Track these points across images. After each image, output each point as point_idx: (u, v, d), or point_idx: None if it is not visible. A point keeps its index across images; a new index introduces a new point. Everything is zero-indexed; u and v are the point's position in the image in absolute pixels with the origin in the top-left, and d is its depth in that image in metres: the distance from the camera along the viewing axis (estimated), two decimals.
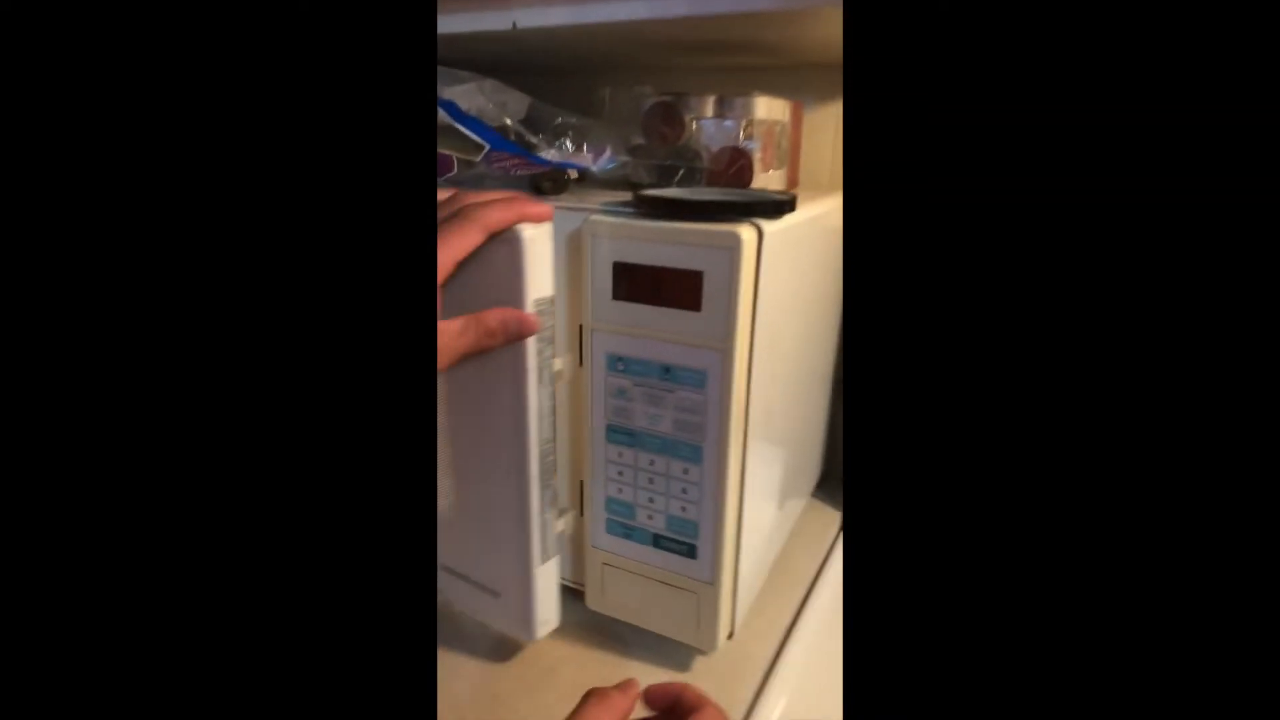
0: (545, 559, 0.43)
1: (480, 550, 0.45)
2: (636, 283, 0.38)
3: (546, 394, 0.39)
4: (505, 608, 0.45)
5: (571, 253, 0.40)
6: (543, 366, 0.38)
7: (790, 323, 0.45)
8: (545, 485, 0.41)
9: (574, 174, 0.41)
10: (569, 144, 0.41)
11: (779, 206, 0.38)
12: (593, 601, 0.48)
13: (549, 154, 0.40)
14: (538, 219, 0.36)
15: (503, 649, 0.49)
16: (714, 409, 0.39)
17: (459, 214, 0.34)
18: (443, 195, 0.36)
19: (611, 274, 0.39)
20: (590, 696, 0.31)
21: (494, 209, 0.34)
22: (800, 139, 0.58)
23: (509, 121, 0.43)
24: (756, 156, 0.49)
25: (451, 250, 0.33)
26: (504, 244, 0.36)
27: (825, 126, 0.66)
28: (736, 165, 0.47)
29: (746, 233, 0.36)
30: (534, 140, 0.41)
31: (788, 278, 0.43)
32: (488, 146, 0.40)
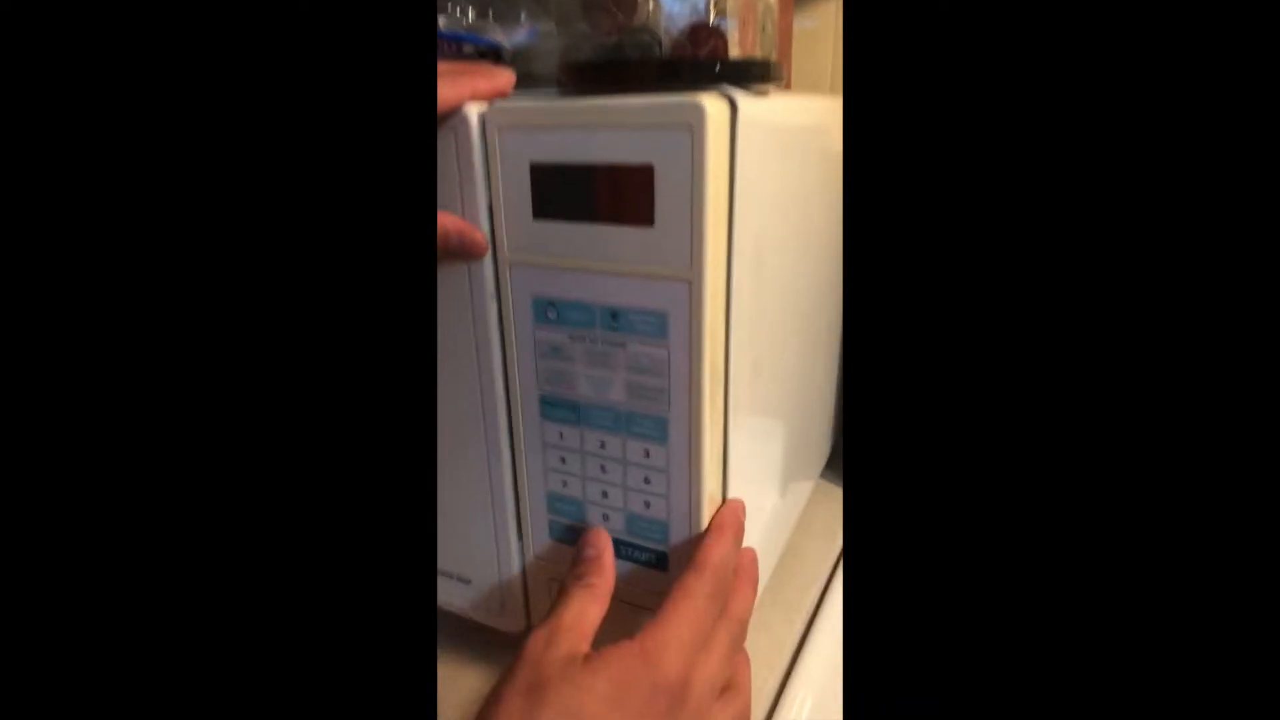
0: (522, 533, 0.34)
1: (445, 534, 0.37)
2: (564, 191, 0.27)
3: None
4: (479, 594, 0.37)
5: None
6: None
7: (783, 245, 0.34)
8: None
9: (469, 49, 0.30)
10: (470, 11, 0.29)
11: (759, 70, 0.27)
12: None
13: (440, 22, 0.29)
14: (494, 95, 0.28)
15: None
16: (680, 365, 0.27)
17: None
18: None
19: (530, 182, 0.28)
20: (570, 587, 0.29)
21: (440, 80, 0.26)
22: (791, 27, 0.46)
23: None
24: (733, 38, 0.37)
25: None
26: (446, 130, 0.28)
27: (823, 33, 0.55)
28: (705, 48, 0.36)
29: (714, 105, 0.24)
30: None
31: (775, 180, 0.31)
32: None
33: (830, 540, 0.49)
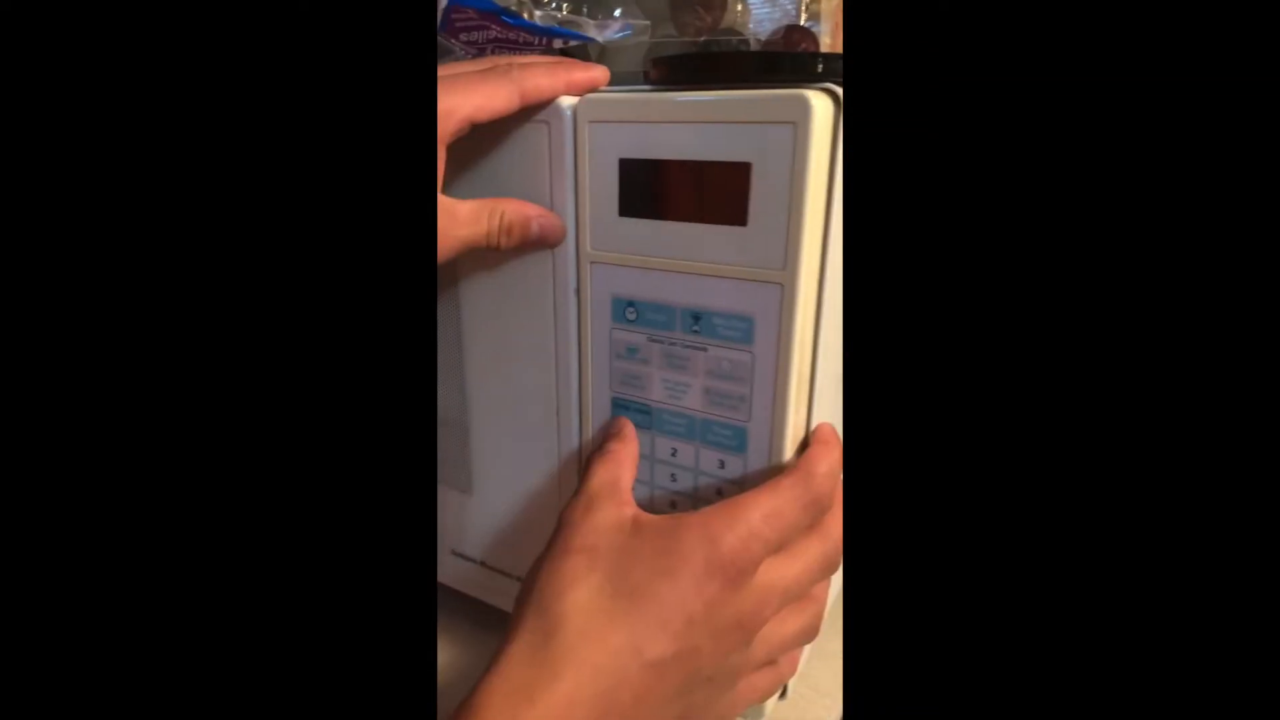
0: None
1: (505, 532, 0.36)
2: (653, 188, 0.26)
3: None
4: None
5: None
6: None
7: None
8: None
9: (559, 43, 0.29)
10: (564, 5, 0.29)
11: None
12: None
13: (534, 16, 0.29)
14: (589, 88, 0.28)
15: None
16: (764, 372, 0.26)
17: (490, 67, 0.27)
18: (476, 65, 0.28)
19: (618, 177, 0.27)
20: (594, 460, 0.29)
21: (535, 70, 0.26)
22: None
23: None
24: (824, 42, 0.36)
25: (470, 99, 0.25)
26: (538, 123, 0.28)
27: None
28: (799, 49, 0.35)
29: (819, 100, 0.23)
30: (523, 2, 0.30)
31: None
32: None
33: None
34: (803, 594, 0.27)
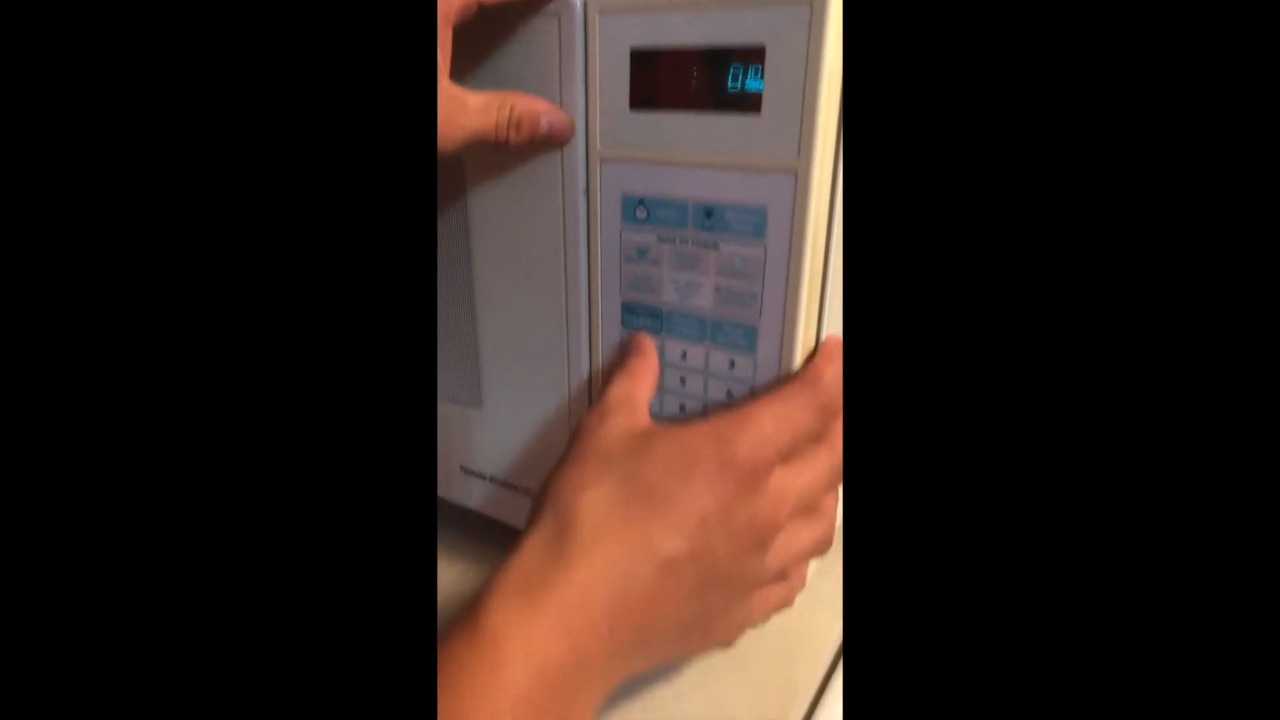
0: None
1: (516, 446, 0.36)
2: (665, 79, 0.26)
3: None
4: None
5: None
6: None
7: None
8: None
9: None
10: None
11: None
12: None
13: None
14: None
15: None
16: (776, 267, 0.26)
17: None
18: None
19: (629, 69, 0.26)
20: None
21: None
22: None
23: None
24: None
25: None
26: (548, 15, 0.27)
27: None
28: None
29: None
30: None
31: None
32: None
33: None
34: (814, 504, 0.27)
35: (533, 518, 0.26)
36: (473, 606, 0.23)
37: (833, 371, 0.26)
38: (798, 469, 0.26)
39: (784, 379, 0.27)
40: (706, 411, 0.29)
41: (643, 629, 0.24)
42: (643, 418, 0.28)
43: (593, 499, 0.24)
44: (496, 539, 0.42)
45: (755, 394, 0.28)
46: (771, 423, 0.25)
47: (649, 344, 0.30)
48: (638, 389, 0.29)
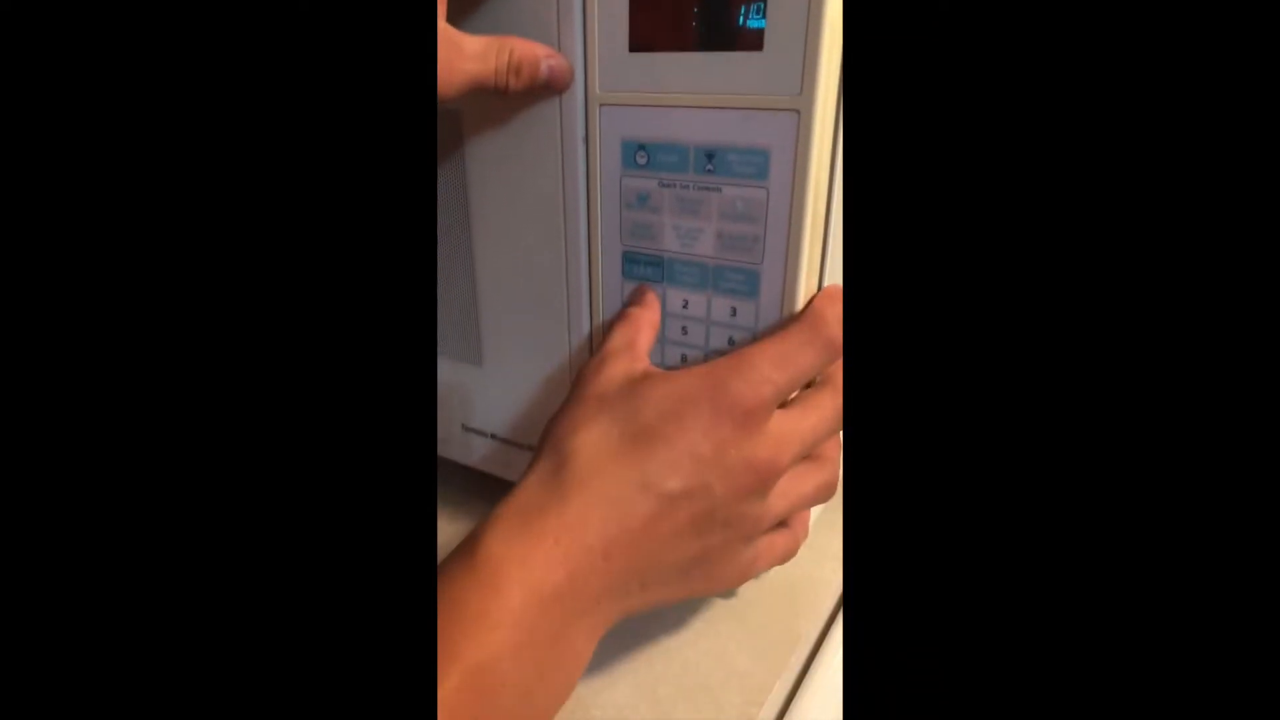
0: None
1: (517, 402, 0.36)
2: (665, 17, 0.25)
3: None
4: None
5: None
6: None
7: None
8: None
9: None
10: None
11: None
12: None
13: None
14: None
15: None
16: (778, 209, 0.26)
17: None
18: None
19: (627, 9, 0.26)
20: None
21: None
22: None
23: None
24: None
25: None
26: None
27: None
28: None
29: None
30: None
31: None
32: None
33: None
34: (818, 448, 0.27)
35: (533, 459, 0.26)
36: (471, 536, 0.24)
37: (834, 311, 0.26)
38: (800, 413, 0.26)
39: (786, 322, 0.27)
40: (709, 354, 0.29)
41: (640, 562, 0.24)
42: (641, 363, 0.28)
43: (590, 437, 0.25)
44: (498, 496, 0.42)
45: (757, 339, 0.28)
46: (769, 363, 0.25)
47: (651, 295, 0.30)
48: (638, 336, 0.29)
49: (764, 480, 0.25)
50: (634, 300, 0.30)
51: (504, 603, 0.21)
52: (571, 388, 0.28)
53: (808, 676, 0.33)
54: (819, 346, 0.26)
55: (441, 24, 0.25)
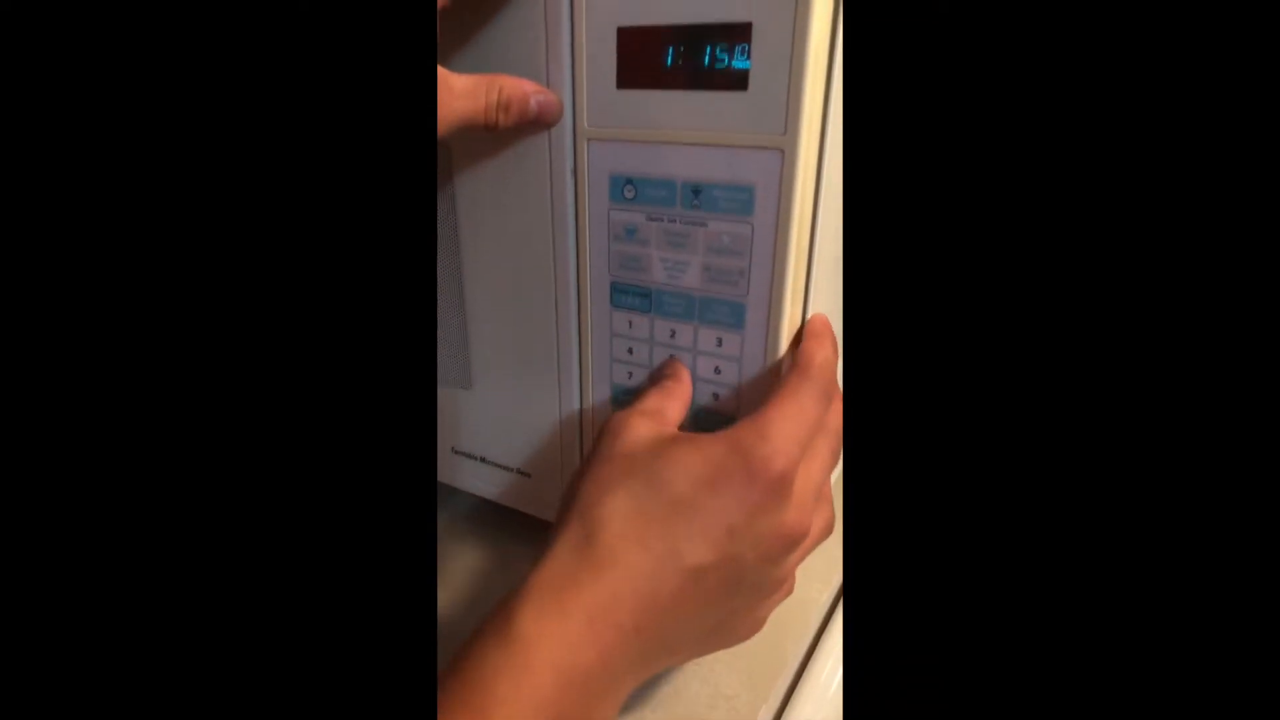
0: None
1: (506, 427, 0.37)
2: (651, 57, 0.26)
3: None
4: (538, 489, 0.37)
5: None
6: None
7: None
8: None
9: None
10: None
11: None
12: None
13: None
14: None
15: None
16: (763, 244, 0.26)
17: None
18: None
19: (615, 47, 0.27)
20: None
21: None
22: None
23: None
24: None
25: None
26: None
27: None
28: None
29: None
30: None
31: None
32: None
33: None
34: (822, 490, 0.27)
35: (560, 522, 0.25)
36: (504, 607, 0.23)
37: (823, 355, 0.26)
38: (812, 460, 0.26)
39: (776, 367, 0.28)
40: (696, 380, 0.30)
41: (667, 633, 0.24)
42: (670, 428, 0.27)
43: (619, 504, 0.24)
44: (487, 519, 0.43)
45: (743, 372, 0.29)
46: (790, 424, 0.25)
47: (684, 371, 0.30)
48: (669, 404, 0.28)
49: (794, 543, 0.25)
50: (669, 373, 0.30)
51: (535, 685, 0.21)
52: (597, 440, 0.27)
53: (794, 697, 0.33)
54: (820, 394, 0.26)
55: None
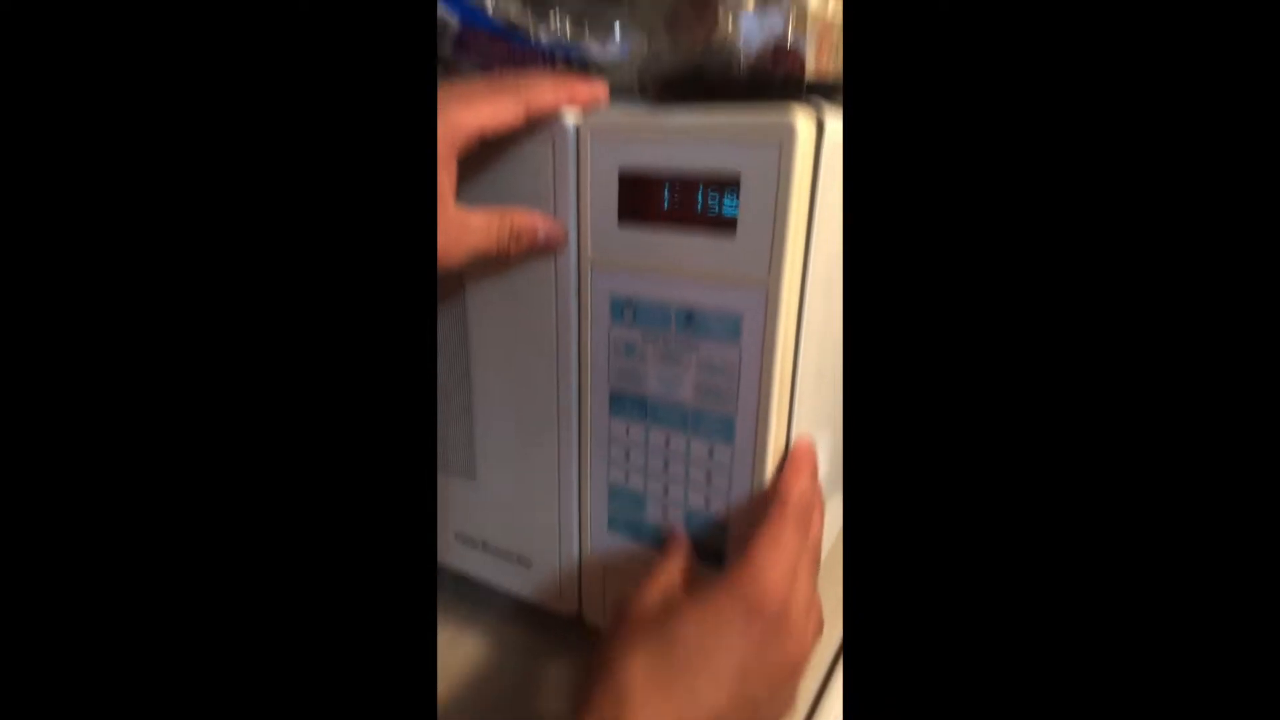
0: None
1: (507, 516, 0.39)
2: (650, 199, 0.29)
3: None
4: (538, 577, 0.39)
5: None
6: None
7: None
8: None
9: (564, 61, 0.32)
10: (568, 26, 0.31)
11: (840, 91, 0.28)
12: (591, 614, 0.38)
13: (540, 37, 0.31)
14: (590, 104, 0.30)
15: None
16: (750, 367, 0.29)
17: (497, 84, 0.29)
18: (486, 81, 0.30)
19: (617, 187, 0.29)
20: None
21: (540, 86, 0.29)
22: None
23: (501, 4, 0.33)
24: (810, 56, 0.38)
25: (478, 114, 0.27)
26: (543, 137, 0.30)
27: None
28: (783, 67, 0.37)
29: (802, 122, 0.26)
30: (529, 23, 0.32)
31: None
32: (457, 23, 0.30)
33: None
34: (811, 601, 0.30)
35: (586, 684, 0.27)
36: None
37: (800, 486, 0.29)
38: (799, 584, 0.28)
39: (762, 478, 0.30)
40: (689, 485, 0.32)
41: None
42: (678, 591, 0.30)
43: (638, 667, 0.26)
44: (483, 600, 0.44)
45: (734, 480, 0.31)
46: (775, 562, 0.27)
47: (680, 535, 0.33)
48: (671, 568, 0.31)
49: (799, 669, 0.28)
50: (665, 552, 0.33)
51: None
52: (619, 612, 0.29)
53: None
54: (799, 525, 0.29)
55: (450, 203, 0.28)
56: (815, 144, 0.26)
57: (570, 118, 0.29)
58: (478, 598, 0.44)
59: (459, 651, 0.41)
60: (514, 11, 0.33)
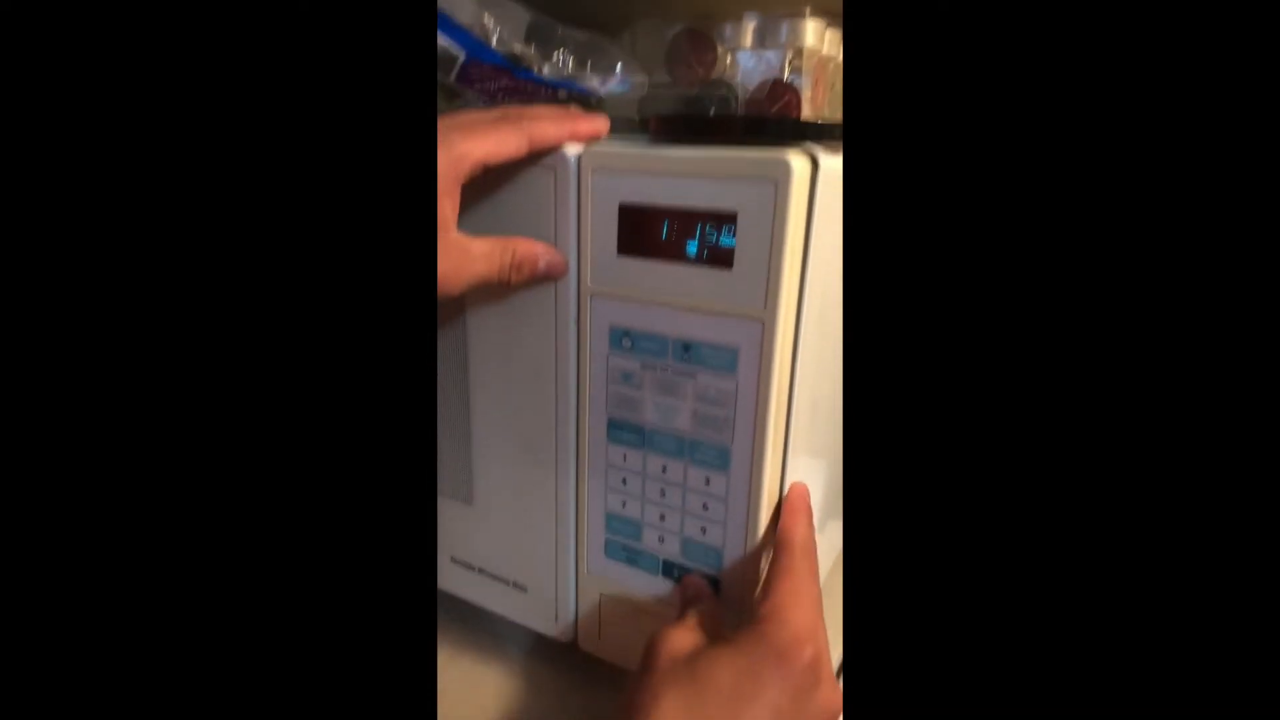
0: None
1: (504, 541, 0.39)
2: (649, 231, 0.29)
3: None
4: (534, 603, 0.39)
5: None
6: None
7: (840, 293, 0.35)
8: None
9: (563, 94, 0.32)
10: (570, 61, 0.32)
11: (837, 132, 0.29)
12: (586, 642, 0.38)
13: (543, 71, 0.32)
14: (591, 138, 0.31)
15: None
16: (746, 397, 0.29)
17: (501, 116, 0.29)
18: (489, 114, 0.31)
19: (617, 221, 0.30)
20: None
21: (542, 119, 0.29)
22: None
23: (505, 38, 0.34)
24: (805, 95, 0.39)
25: (482, 144, 0.28)
26: (545, 168, 0.31)
27: None
28: (780, 103, 0.38)
29: (798, 161, 0.26)
30: (532, 57, 0.33)
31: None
32: (463, 55, 0.31)
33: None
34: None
35: None
36: None
37: (801, 531, 0.30)
38: (821, 630, 0.28)
39: (757, 510, 0.31)
40: (686, 514, 0.32)
41: None
42: (706, 639, 0.29)
43: (673, 709, 0.26)
44: (481, 624, 0.44)
45: (729, 509, 0.31)
46: (802, 608, 0.27)
47: (700, 581, 0.33)
48: (697, 614, 0.30)
49: (837, 710, 0.27)
50: (690, 587, 0.33)
51: None
52: (648, 652, 0.28)
53: None
54: (812, 569, 0.29)
55: (452, 232, 0.29)
56: (810, 181, 0.27)
57: (572, 149, 0.30)
58: (475, 621, 0.44)
59: (454, 671, 0.41)
60: (518, 46, 0.34)
